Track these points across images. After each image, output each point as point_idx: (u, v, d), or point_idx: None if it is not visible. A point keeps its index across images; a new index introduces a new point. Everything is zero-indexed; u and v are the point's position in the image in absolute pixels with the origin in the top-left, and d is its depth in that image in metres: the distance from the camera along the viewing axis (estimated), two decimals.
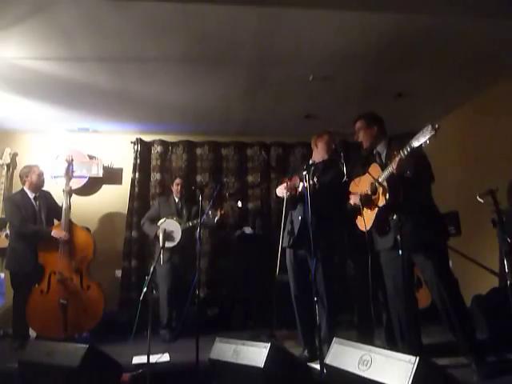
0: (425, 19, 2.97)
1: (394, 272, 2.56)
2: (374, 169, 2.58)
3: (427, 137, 2.08)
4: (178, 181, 4.28)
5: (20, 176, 4.01)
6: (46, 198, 4.06)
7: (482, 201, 2.91)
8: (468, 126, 4.46)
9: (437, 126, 2.05)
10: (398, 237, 2.34)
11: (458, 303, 2.43)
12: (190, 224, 3.99)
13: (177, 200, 4.23)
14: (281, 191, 3.08)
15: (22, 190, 3.97)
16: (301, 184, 2.95)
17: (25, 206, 3.86)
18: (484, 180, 3.86)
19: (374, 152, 2.76)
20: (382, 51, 3.36)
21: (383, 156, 2.69)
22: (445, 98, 4.34)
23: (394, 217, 2.38)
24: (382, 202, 2.49)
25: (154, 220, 4.12)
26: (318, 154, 3.14)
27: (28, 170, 3.98)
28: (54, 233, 3.80)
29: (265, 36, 3.14)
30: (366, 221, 2.62)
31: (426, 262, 2.49)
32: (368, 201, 2.60)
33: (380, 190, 2.50)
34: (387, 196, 2.44)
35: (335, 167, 3.01)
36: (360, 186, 2.71)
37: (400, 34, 3.13)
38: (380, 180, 2.48)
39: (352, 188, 2.80)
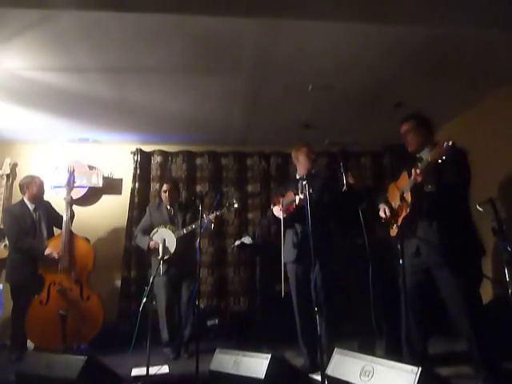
0: (424, 30, 2.99)
1: (413, 279, 2.50)
2: (404, 178, 2.56)
3: (444, 152, 2.12)
4: (165, 187, 3.92)
5: (20, 186, 3.99)
6: (46, 207, 4.04)
7: (481, 209, 2.91)
8: (467, 135, 4.46)
9: (450, 143, 2.10)
10: (399, 246, 2.33)
11: (480, 328, 2.34)
12: (185, 231, 3.72)
13: (169, 207, 3.92)
14: (277, 212, 3.08)
15: (22, 200, 3.96)
16: (297, 197, 2.95)
17: (23, 217, 3.85)
18: (483, 189, 3.86)
19: (418, 156, 2.64)
20: (382, 61, 3.39)
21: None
22: (444, 107, 4.36)
23: (418, 225, 2.38)
24: (404, 213, 2.50)
25: (147, 230, 3.86)
26: (302, 167, 3.16)
27: (29, 180, 3.96)
28: (47, 251, 3.73)
29: (264, 46, 3.16)
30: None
31: (451, 281, 2.37)
32: (392, 214, 2.60)
33: (404, 201, 2.50)
34: (408, 209, 2.44)
35: (324, 177, 3.02)
36: (395, 194, 2.69)
37: (399, 44, 3.15)
38: (404, 192, 2.49)
39: (390, 195, 2.76)
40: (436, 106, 4.30)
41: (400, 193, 2.58)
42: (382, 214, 2.67)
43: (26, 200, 3.94)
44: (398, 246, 2.43)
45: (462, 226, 2.48)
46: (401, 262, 2.35)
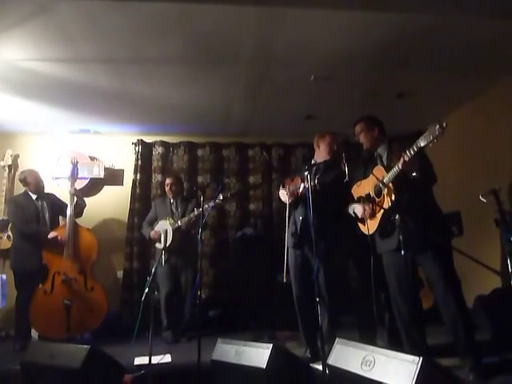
0: (425, 19, 2.96)
1: (397, 274, 2.55)
2: (378, 171, 2.56)
3: (435, 135, 2.06)
4: (167, 181, 4.15)
5: (19, 181, 4.06)
6: (50, 199, 4.09)
7: (484, 200, 2.91)
8: (470, 126, 4.45)
9: (444, 124, 2.03)
10: (401, 237, 2.32)
11: (460, 304, 2.43)
12: (179, 223, 3.87)
13: (172, 200, 4.15)
14: (283, 196, 3.08)
15: (26, 191, 4.02)
16: (302, 185, 2.95)
17: (28, 206, 3.90)
18: (486, 180, 3.85)
19: (375, 154, 2.76)
20: (383, 51, 3.36)
21: (384, 158, 2.69)
22: (446, 98, 4.33)
23: (397, 217, 2.36)
24: (387, 204, 2.48)
25: (152, 223, 4.11)
26: (320, 155, 3.14)
27: (24, 175, 4.01)
28: (51, 234, 3.79)
29: (265, 36, 3.13)
30: (369, 224, 2.61)
31: (430, 263, 2.47)
32: (372, 202, 2.59)
33: (385, 191, 2.49)
34: (393, 197, 2.42)
35: (337, 168, 3.00)
36: (362, 189, 2.70)
37: (401, 34, 3.13)
38: (385, 181, 2.47)
39: (354, 191, 2.78)
40: (437, 97, 4.28)
41: (375, 189, 2.57)
42: (361, 212, 2.65)
43: (28, 191, 4.00)
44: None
45: (436, 211, 2.60)
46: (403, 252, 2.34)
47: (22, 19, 2.82)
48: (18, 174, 4.80)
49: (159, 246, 3.95)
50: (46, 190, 4.16)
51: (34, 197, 3.98)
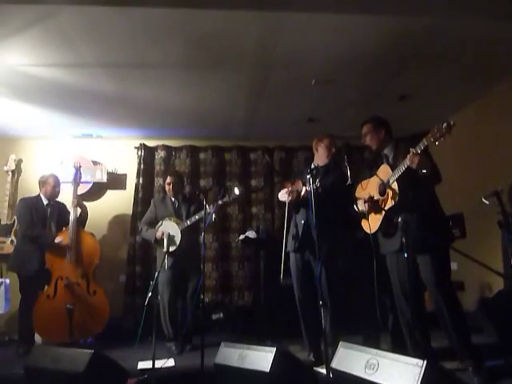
0: (426, 21, 2.96)
1: (401, 275, 2.55)
2: (384, 170, 2.57)
3: (442, 133, 2.08)
4: (168, 180, 3.95)
5: (38, 182, 4.09)
6: (60, 207, 4.10)
7: (487, 202, 2.90)
8: (471, 128, 4.44)
9: (452, 122, 2.05)
10: (403, 239, 2.32)
11: (453, 307, 2.42)
12: (188, 222, 3.72)
13: (173, 199, 3.94)
14: (283, 196, 3.08)
15: (39, 195, 4.05)
16: (303, 188, 2.95)
17: (36, 209, 3.93)
18: (488, 181, 3.84)
19: (382, 155, 2.76)
20: (384, 54, 3.36)
21: (391, 158, 2.69)
22: (447, 100, 4.33)
23: (399, 219, 2.36)
24: (390, 204, 2.48)
25: (152, 223, 3.88)
26: (319, 158, 3.14)
27: (44, 179, 4.06)
28: (57, 239, 3.80)
29: (267, 40, 3.14)
30: (371, 223, 2.61)
31: (427, 264, 2.47)
32: (375, 204, 2.59)
33: (390, 191, 2.49)
34: (397, 198, 2.42)
35: (337, 170, 3.01)
36: (367, 189, 2.70)
37: (402, 36, 3.13)
38: (390, 181, 2.47)
39: (358, 191, 2.78)
40: (439, 99, 4.28)
41: (379, 188, 2.59)
42: (362, 206, 2.67)
43: (41, 195, 4.04)
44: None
45: (439, 212, 2.60)
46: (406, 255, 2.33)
47: (25, 25, 2.84)
48: (21, 178, 4.88)
49: (170, 248, 3.64)
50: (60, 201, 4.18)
51: (45, 202, 4.00)
